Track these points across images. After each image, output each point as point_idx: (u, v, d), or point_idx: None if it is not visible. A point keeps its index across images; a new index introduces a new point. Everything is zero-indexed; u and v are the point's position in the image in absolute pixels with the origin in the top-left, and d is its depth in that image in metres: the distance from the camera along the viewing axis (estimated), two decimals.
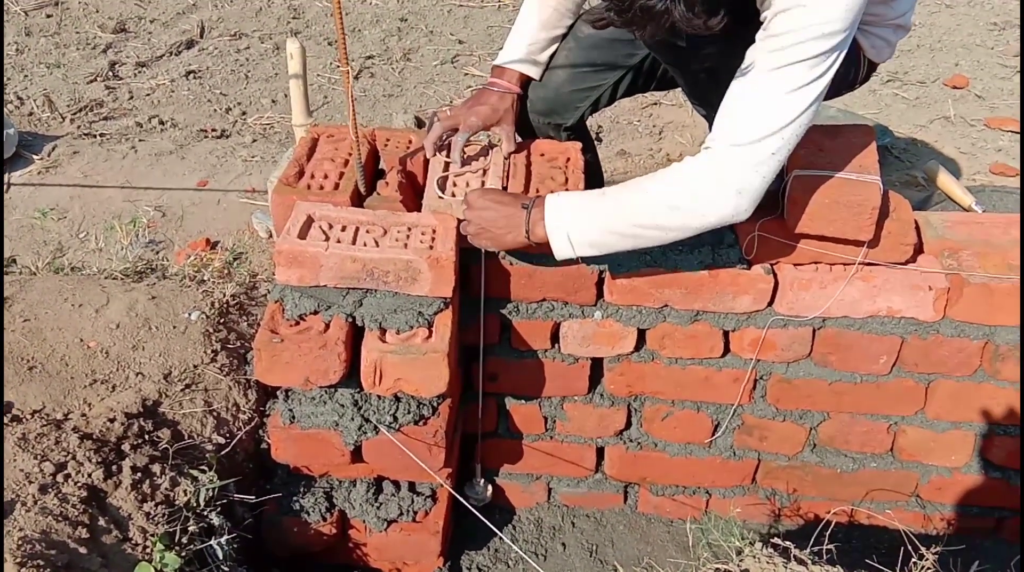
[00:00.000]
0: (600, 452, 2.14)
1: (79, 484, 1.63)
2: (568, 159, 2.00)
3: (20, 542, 1.47)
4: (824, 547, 1.68)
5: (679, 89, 2.17)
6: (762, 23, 1.53)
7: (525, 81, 2.07)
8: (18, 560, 1.44)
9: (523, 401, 2.05)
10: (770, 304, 1.87)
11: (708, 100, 2.02)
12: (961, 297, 1.85)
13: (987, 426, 2.01)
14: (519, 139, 2.07)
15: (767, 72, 1.50)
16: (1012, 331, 1.88)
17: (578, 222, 1.63)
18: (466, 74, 4.12)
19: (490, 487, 2.13)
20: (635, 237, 1.62)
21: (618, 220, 1.61)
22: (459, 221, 1.79)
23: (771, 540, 1.71)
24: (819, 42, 1.46)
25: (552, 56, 2.07)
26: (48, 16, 4.46)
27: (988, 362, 1.92)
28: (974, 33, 4.57)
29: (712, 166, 1.55)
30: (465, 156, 1.98)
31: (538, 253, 1.77)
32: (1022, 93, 3.87)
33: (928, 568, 1.68)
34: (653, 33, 1.46)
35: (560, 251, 1.66)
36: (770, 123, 1.51)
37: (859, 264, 1.83)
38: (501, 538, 2.07)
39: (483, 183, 1.91)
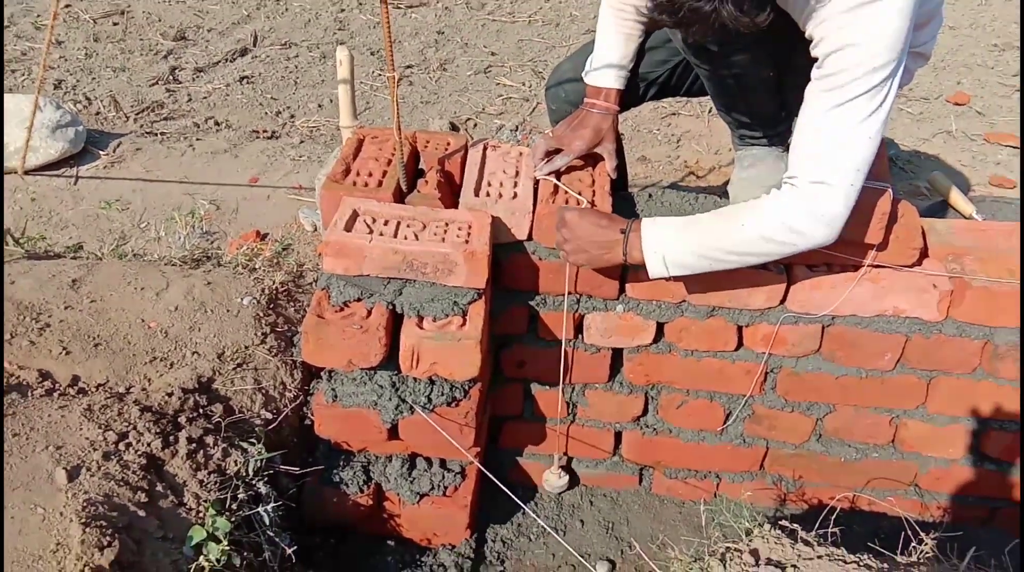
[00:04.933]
0: (618, 436, 2.13)
1: (139, 452, 1.64)
2: (595, 162, 1.99)
3: (85, 504, 1.48)
4: (828, 530, 1.67)
5: (698, 100, 2.14)
6: (815, 59, 1.53)
7: (621, 97, 1.99)
8: (83, 521, 1.45)
9: (547, 387, 2.04)
10: (783, 301, 1.85)
11: (733, 105, 2.00)
12: (964, 299, 1.82)
13: (984, 421, 1.98)
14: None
15: (831, 110, 1.50)
16: (1011, 332, 1.85)
17: (674, 247, 1.64)
18: (498, 83, 4.11)
19: (567, 476, 2.12)
20: (725, 262, 1.64)
21: (712, 247, 1.62)
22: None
23: (778, 522, 1.70)
24: (873, 75, 1.46)
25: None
26: (115, 24, 4.51)
27: (987, 361, 1.89)
28: (976, 53, 4.51)
29: (801, 202, 1.56)
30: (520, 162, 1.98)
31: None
32: (1022, 110, 3.81)
33: (927, 553, 1.66)
34: (700, 34, 1.44)
35: (655, 272, 1.67)
36: (845, 158, 1.52)
37: (868, 266, 1.81)
38: (524, 513, 2.06)
39: (516, 184, 1.90)
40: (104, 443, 1.63)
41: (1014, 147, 3.60)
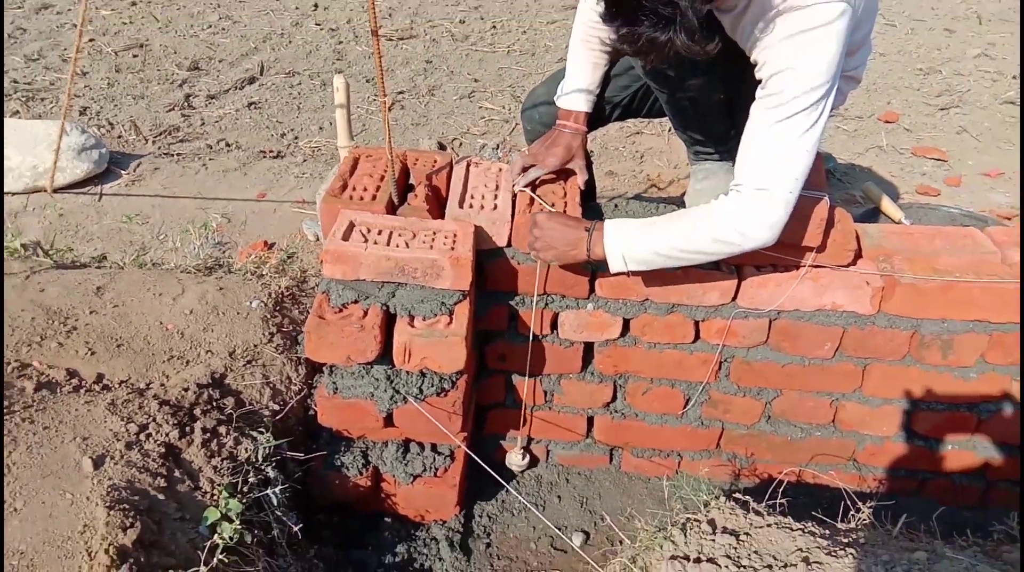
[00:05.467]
0: (590, 421, 2.13)
1: (158, 442, 1.63)
2: (567, 176, 1.99)
3: (109, 489, 1.47)
4: (777, 501, 1.68)
5: (659, 120, 2.15)
6: (759, 81, 1.54)
7: (589, 118, 1.99)
8: (107, 504, 1.43)
9: (526, 377, 2.04)
10: (734, 298, 1.86)
11: (689, 125, 2.01)
12: (893, 295, 1.84)
13: (914, 402, 2.00)
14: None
15: (773, 125, 1.51)
16: (935, 323, 1.87)
17: (632, 245, 1.63)
18: (480, 107, 4.11)
19: (528, 456, 2.12)
20: (679, 259, 1.64)
21: (667, 246, 1.61)
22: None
23: (733, 495, 1.71)
24: (810, 94, 1.47)
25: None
26: (135, 56, 4.47)
27: (915, 349, 1.91)
28: (903, 77, 4.56)
29: (747, 206, 1.56)
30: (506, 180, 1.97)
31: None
32: (1022, 118, 3.84)
33: (864, 520, 1.67)
34: (657, 60, 1.44)
35: (615, 266, 1.66)
36: (785, 169, 1.52)
37: (809, 266, 1.82)
38: (507, 491, 2.06)
39: (496, 196, 1.90)
40: (126, 434, 1.61)
41: (937, 160, 3.64)
